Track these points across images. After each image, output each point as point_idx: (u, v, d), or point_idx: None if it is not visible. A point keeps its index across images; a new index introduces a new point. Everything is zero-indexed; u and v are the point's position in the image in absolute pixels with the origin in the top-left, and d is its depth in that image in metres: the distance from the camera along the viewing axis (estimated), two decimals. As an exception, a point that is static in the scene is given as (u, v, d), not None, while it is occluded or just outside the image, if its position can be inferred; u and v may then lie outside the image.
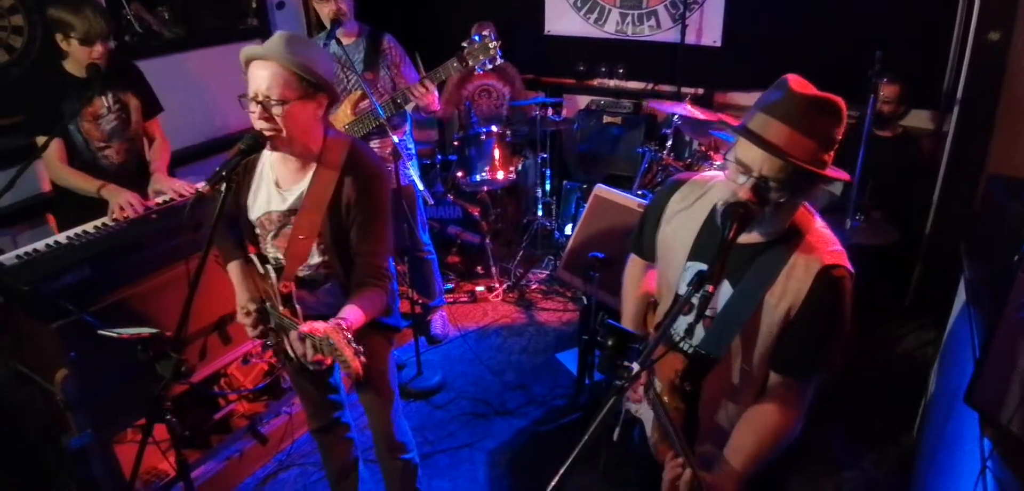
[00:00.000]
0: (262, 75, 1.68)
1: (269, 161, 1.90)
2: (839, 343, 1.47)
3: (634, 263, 1.87)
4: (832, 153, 1.36)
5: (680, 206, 1.63)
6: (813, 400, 1.56)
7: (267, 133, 1.70)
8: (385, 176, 1.90)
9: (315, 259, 1.92)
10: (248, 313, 1.97)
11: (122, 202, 2.56)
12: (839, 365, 1.48)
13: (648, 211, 1.75)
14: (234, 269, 2.05)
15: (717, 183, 1.58)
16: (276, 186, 1.89)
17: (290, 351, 1.87)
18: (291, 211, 1.87)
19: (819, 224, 1.50)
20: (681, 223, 1.61)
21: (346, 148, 1.85)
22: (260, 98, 1.68)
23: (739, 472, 1.49)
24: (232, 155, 1.69)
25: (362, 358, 1.58)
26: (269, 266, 1.90)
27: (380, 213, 1.88)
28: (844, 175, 1.38)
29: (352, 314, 1.75)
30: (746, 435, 1.52)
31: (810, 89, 1.34)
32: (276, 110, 1.68)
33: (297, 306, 1.87)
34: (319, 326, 1.62)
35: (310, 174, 1.84)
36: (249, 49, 1.72)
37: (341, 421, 2.32)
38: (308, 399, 2.29)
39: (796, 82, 1.34)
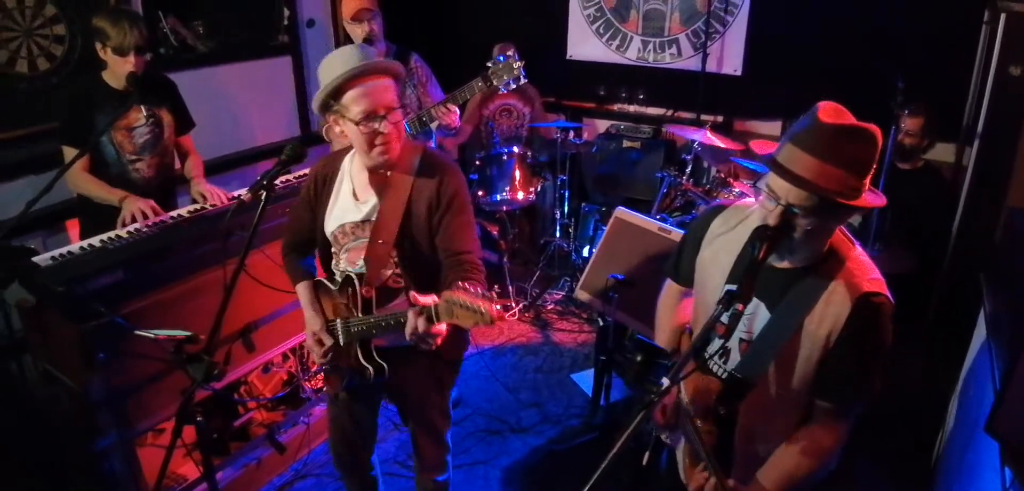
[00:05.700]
0: (386, 94, 1.68)
1: (349, 172, 1.89)
2: (878, 370, 1.47)
3: (669, 289, 1.87)
4: (867, 178, 1.37)
5: (720, 230, 1.64)
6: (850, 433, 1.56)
7: (392, 150, 1.72)
8: (460, 172, 1.87)
9: (388, 269, 1.89)
10: (321, 343, 1.98)
11: (135, 209, 2.58)
12: (877, 392, 1.48)
13: (688, 236, 1.76)
14: (303, 290, 2.04)
15: (757, 209, 1.60)
16: (354, 197, 1.88)
17: (363, 361, 1.88)
18: (365, 220, 1.86)
19: (858, 252, 1.50)
20: (721, 247, 1.62)
21: (419, 153, 1.85)
22: (382, 111, 1.68)
23: (767, 489, 1.51)
24: (274, 165, 1.74)
25: (497, 304, 1.52)
26: (351, 275, 1.87)
27: (466, 208, 1.85)
28: (879, 201, 1.38)
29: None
30: (783, 457, 1.54)
31: (843, 117, 1.34)
32: (395, 118, 1.69)
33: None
34: (430, 297, 1.59)
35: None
36: (357, 65, 1.66)
37: (369, 461, 2.30)
38: (339, 430, 2.21)
39: (825, 111, 1.35)
